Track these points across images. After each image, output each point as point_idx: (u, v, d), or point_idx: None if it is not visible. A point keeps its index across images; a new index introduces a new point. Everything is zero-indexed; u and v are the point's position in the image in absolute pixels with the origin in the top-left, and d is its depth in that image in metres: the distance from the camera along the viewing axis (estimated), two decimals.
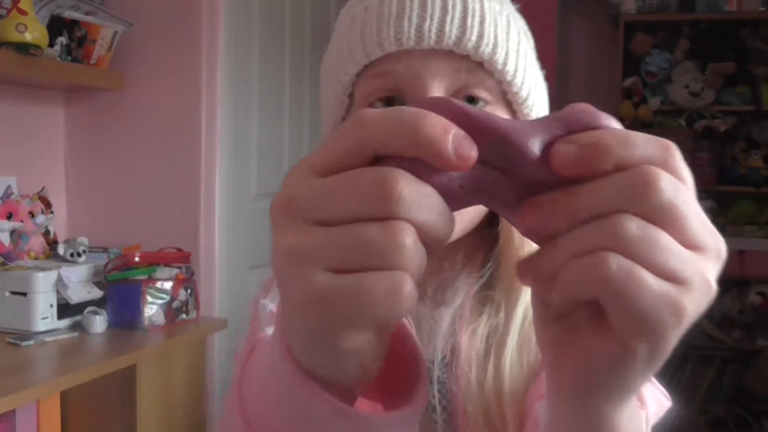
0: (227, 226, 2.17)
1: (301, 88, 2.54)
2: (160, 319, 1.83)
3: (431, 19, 0.61)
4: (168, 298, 1.85)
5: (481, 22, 0.62)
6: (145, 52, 2.12)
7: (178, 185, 2.13)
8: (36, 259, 1.94)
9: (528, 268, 0.32)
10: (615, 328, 0.30)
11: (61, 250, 1.88)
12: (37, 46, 1.75)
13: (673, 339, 0.31)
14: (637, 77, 3.29)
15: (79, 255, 1.88)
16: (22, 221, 1.93)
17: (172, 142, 2.13)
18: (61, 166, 2.23)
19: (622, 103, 3.27)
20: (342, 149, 0.30)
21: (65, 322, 1.77)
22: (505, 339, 0.65)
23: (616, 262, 0.29)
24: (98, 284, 1.85)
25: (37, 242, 1.97)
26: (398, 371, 0.39)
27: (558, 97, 3.29)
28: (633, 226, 0.29)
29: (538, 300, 0.34)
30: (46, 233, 2.04)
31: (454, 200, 0.31)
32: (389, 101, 0.63)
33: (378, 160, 0.30)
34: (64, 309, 1.76)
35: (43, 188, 2.08)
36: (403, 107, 0.30)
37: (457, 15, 0.62)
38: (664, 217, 0.30)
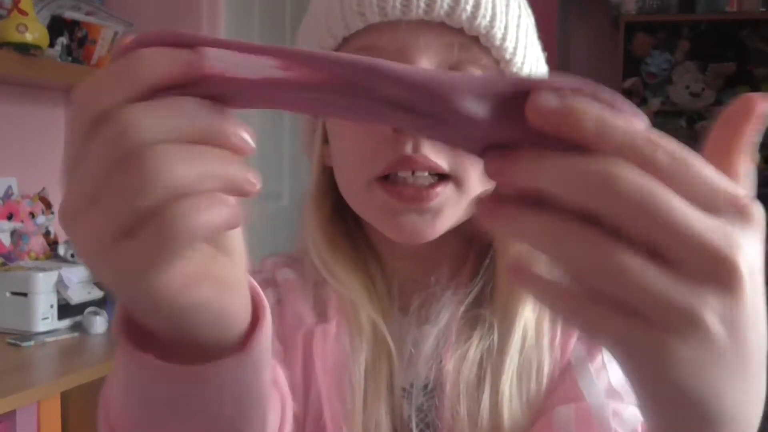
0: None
1: None
2: None
3: None
4: None
5: None
6: None
7: None
8: (36, 259, 1.94)
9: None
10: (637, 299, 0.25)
11: (61, 250, 1.88)
12: (37, 47, 1.75)
13: (746, 289, 0.25)
14: (638, 78, 3.29)
15: None
16: (22, 222, 1.93)
17: None
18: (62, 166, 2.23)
19: None
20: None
21: (66, 323, 1.77)
22: (501, 365, 0.57)
23: (638, 173, 0.24)
24: (99, 284, 1.85)
25: (37, 243, 1.97)
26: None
27: None
28: (660, 151, 0.25)
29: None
30: (47, 234, 2.04)
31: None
32: None
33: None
34: (65, 309, 1.76)
35: (44, 189, 2.08)
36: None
37: None
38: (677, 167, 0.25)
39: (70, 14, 1.94)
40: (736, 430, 0.28)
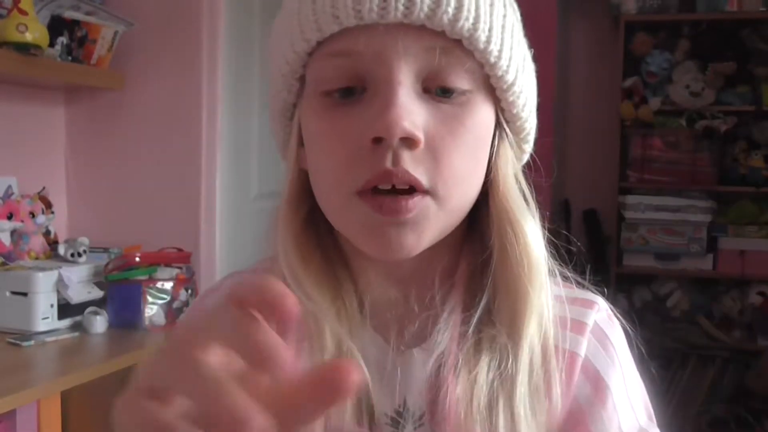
0: (228, 226, 2.17)
1: None
2: (161, 320, 1.83)
3: None
4: (169, 298, 1.85)
5: None
6: (146, 52, 2.12)
7: (178, 185, 2.12)
8: (36, 259, 1.94)
9: None
10: None
11: (61, 250, 1.88)
12: (37, 46, 1.75)
13: None
14: (638, 77, 3.29)
15: (79, 255, 1.88)
16: (22, 221, 1.93)
17: (172, 142, 2.13)
18: (62, 166, 2.23)
19: (622, 103, 3.26)
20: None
21: (66, 322, 1.77)
22: (513, 386, 0.54)
23: None
24: (99, 284, 1.85)
25: (37, 242, 1.97)
26: None
27: (558, 98, 3.29)
28: None
29: None
30: (47, 233, 2.04)
31: None
32: (349, 92, 0.52)
33: None
34: (65, 309, 1.76)
35: (44, 188, 2.08)
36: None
37: None
38: None
39: (70, 14, 1.94)
40: None
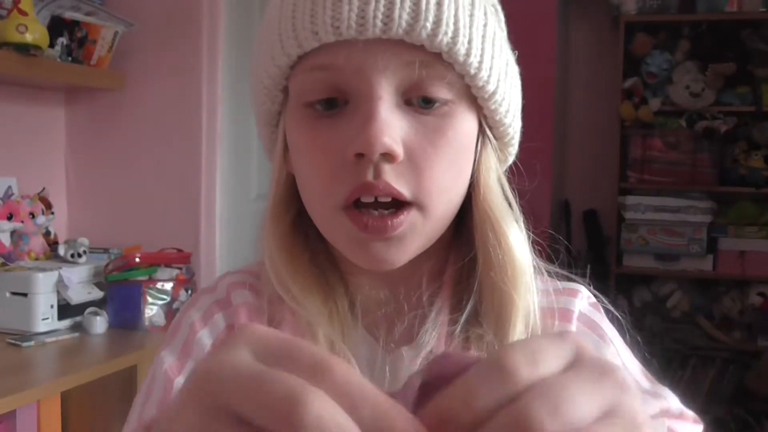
0: (228, 226, 2.17)
1: None
2: (161, 320, 1.83)
3: (376, 1, 0.50)
4: (168, 298, 1.85)
5: (439, 4, 0.51)
6: (146, 53, 2.12)
7: (178, 186, 2.13)
8: (36, 259, 1.94)
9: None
10: None
11: (61, 250, 1.88)
12: (37, 47, 1.75)
13: None
14: (638, 78, 3.29)
15: (79, 255, 1.88)
16: (22, 222, 1.93)
17: (172, 142, 2.13)
18: (62, 166, 2.23)
19: (622, 103, 3.26)
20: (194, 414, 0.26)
21: (66, 323, 1.77)
22: None
23: None
24: (99, 285, 1.85)
25: (37, 243, 1.97)
26: None
27: (558, 98, 3.29)
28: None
29: None
30: (47, 234, 2.04)
31: None
32: (331, 103, 0.53)
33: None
34: (65, 309, 1.76)
35: (44, 189, 2.08)
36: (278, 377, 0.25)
37: None
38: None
39: (70, 14, 1.94)
40: None
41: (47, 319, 1.71)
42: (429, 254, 0.57)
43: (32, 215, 1.96)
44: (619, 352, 0.62)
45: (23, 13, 1.72)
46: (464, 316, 0.57)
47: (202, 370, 0.27)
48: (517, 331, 0.56)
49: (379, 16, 0.49)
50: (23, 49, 1.73)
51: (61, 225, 2.19)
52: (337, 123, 0.53)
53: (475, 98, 0.55)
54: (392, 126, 0.51)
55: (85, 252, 1.90)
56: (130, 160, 2.17)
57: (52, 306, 1.72)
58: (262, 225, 0.60)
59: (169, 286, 1.86)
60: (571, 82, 3.54)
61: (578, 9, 3.52)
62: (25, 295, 1.69)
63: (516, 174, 0.63)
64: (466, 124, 0.55)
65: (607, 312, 0.64)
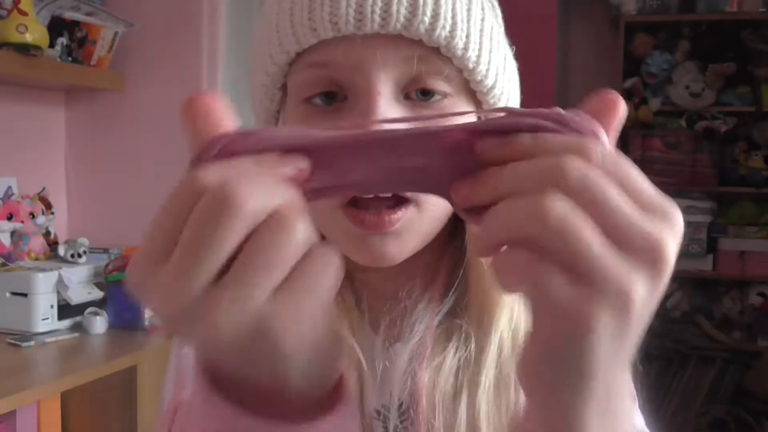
0: None
1: None
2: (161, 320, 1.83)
3: None
4: None
5: None
6: (146, 53, 2.12)
7: None
8: (36, 259, 1.94)
9: (467, 196, 0.32)
10: (558, 291, 0.29)
11: (61, 250, 1.88)
12: (37, 47, 1.75)
13: (633, 308, 0.30)
14: (638, 78, 3.29)
15: (79, 256, 1.88)
16: (22, 222, 1.93)
17: (172, 142, 2.13)
18: (62, 166, 2.23)
19: None
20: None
21: (66, 323, 1.77)
22: (478, 376, 0.55)
23: (562, 203, 0.29)
24: (99, 285, 1.85)
25: (37, 243, 1.97)
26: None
27: (558, 98, 3.29)
28: (575, 171, 0.30)
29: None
30: (47, 234, 2.04)
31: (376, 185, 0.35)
32: (330, 96, 0.53)
33: None
34: (65, 310, 1.76)
35: (44, 189, 2.08)
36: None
37: None
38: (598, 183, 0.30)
39: (70, 14, 1.94)
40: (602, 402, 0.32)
41: (47, 319, 1.71)
42: (428, 250, 0.58)
43: (32, 215, 1.96)
44: None
45: (23, 13, 1.72)
46: (447, 307, 0.58)
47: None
48: (500, 325, 0.57)
49: (377, 11, 0.50)
50: (23, 49, 1.73)
51: (61, 225, 2.19)
52: (335, 119, 0.53)
53: (473, 92, 0.55)
54: None
55: (85, 252, 1.90)
56: (130, 160, 2.17)
57: (52, 306, 1.72)
58: None
59: None
60: (571, 82, 3.54)
61: (578, 9, 3.52)
62: (25, 295, 1.69)
63: None
64: (464, 118, 0.55)
65: None
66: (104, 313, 1.80)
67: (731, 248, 3.21)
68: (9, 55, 1.72)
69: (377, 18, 0.50)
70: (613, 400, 0.33)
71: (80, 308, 1.79)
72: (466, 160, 0.33)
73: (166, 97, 2.12)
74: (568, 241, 0.29)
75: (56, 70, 1.89)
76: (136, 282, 0.31)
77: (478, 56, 0.53)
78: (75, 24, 1.95)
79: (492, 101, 0.56)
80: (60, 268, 1.77)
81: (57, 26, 1.91)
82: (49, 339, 1.66)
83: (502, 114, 0.34)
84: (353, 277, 0.61)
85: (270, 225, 0.29)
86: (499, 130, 0.33)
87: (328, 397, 0.35)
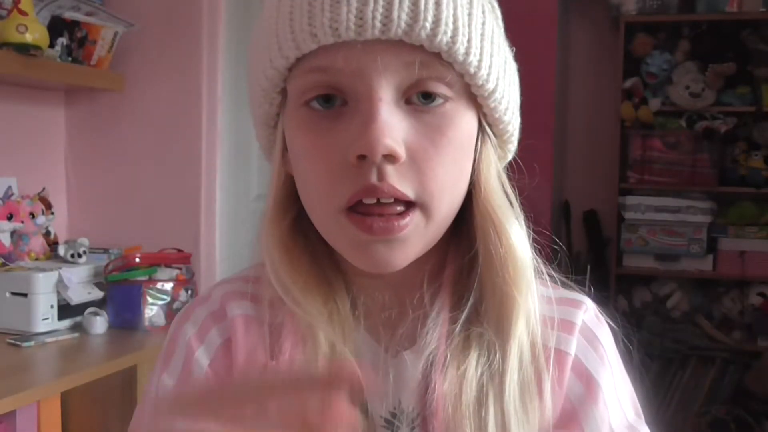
0: (228, 227, 2.17)
1: None
2: (161, 320, 1.83)
3: (375, 2, 0.49)
4: (168, 299, 1.85)
5: (437, 4, 0.50)
6: (146, 53, 2.12)
7: (178, 186, 2.12)
8: (36, 259, 1.94)
9: None
10: None
11: (61, 250, 1.88)
12: (37, 47, 1.75)
13: None
14: (638, 78, 3.29)
15: (79, 256, 1.88)
16: (22, 222, 1.93)
17: (172, 142, 2.13)
18: (62, 166, 2.23)
19: (622, 104, 3.26)
20: None
21: (66, 323, 1.77)
22: (503, 382, 0.55)
23: None
24: (99, 285, 1.85)
25: (37, 243, 1.97)
26: None
27: (558, 98, 3.29)
28: None
29: None
30: (47, 234, 2.04)
31: None
32: (329, 99, 0.53)
33: None
34: (65, 310, 1.76)
35: (44, 189, 2.08)
36: None
37: None
38: None
39: (70, 14, 1.94)
40: None
41: (47, 319, 1.71)
42: (429, 254, 0.57)
43: (32, 215, 1.96)
44: (614, 375, 0.61)
45: (23, 13, 1.72)
46: (464, 315, 0.57)
47: None
48: (519, 330, 0.56)
49: (378, 16, 0.49)
50: (23, 49, 1.73)
51: (61, 225, 2.19)
52: (336, 124, 0.52)
53: (474, 96, 0.55)
54: (393, 127, 0.51)
55: (85, 252, 1.90)
56: (130, 160, 2.17)
57: (52, 306, 1.72)
58: (261, 227, 0.60)
59: (169, 286, 1.86)
60: (571, 82, 3.54)
61: (578, 9, 3.52)
62: (25, 295, 1.69)
63: (516, 171, 0.62)
64: (466, 122, 0.55)
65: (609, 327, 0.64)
66: (104, 313, 1.80)
67: (731, 248, 3.21)
68: (9, 55, 1.72)
69: (378, 24, 0.49)
70: None
71: (80, 308, 1.79)
72: None
73: (166, 97, 2.12)
74: None
75: (56, 70, 1.89)
76: None
77: (480, 61, 0.53)
78: (75, 24, 1.95)
79: (493, 105, 0.56)
80: (60, 268, 1.77)
81: (57, 26, 1.91)
82: (49, 339, 1.66)
83: None
84: (351, 283, 0.60)
85: None
86: None
87: None
